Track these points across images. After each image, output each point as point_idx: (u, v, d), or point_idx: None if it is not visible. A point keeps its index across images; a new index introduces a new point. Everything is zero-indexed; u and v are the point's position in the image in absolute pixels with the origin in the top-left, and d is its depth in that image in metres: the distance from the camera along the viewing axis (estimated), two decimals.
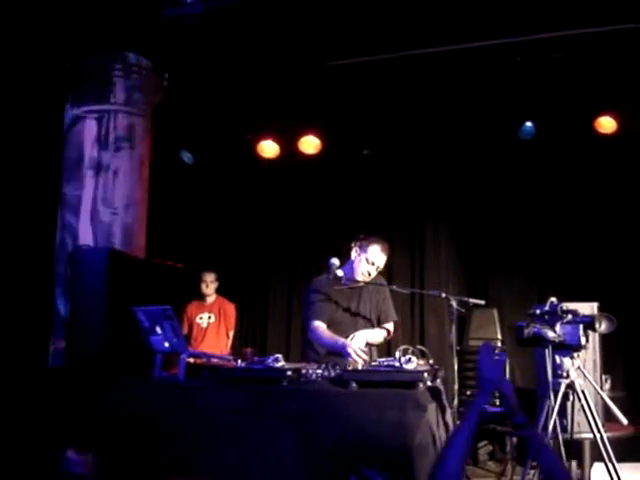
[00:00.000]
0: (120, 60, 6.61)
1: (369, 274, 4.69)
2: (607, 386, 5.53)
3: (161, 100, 7.06)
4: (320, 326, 4.65)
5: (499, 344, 7.34)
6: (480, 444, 6.95)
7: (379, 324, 4.83)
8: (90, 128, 6.52)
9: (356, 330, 4.62)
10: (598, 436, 4.14)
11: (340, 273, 4.70)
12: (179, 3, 5.96)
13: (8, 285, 7.47)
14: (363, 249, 4.69)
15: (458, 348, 4.44)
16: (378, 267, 4.70)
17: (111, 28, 6.32)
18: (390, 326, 4.88)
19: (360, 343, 4.41)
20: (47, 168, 6.94)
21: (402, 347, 4.03)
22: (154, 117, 6.96)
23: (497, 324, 7.41)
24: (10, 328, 7.22)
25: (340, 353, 4.39)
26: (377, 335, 4.77)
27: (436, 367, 4.03)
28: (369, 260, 4.65)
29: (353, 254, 4.77)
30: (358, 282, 4.74)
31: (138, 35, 6.46)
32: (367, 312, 4.78)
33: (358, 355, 4.23)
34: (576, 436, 4.44)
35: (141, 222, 6.71)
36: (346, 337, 4.49)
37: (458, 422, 4.22)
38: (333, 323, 4.70)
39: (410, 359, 3.85)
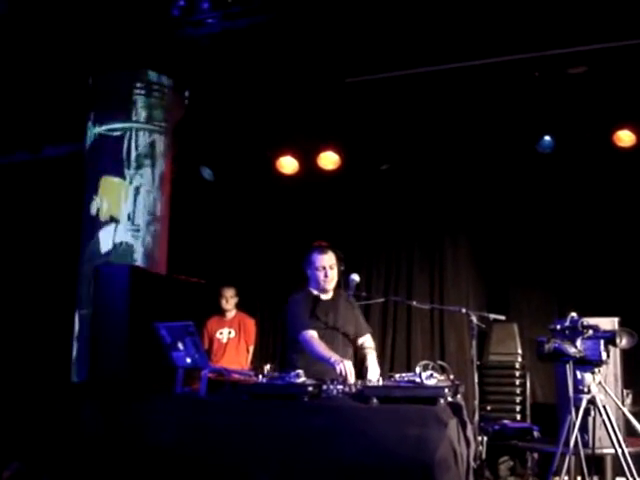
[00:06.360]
0: (141, 78, 6.71)
1: (326, 276, 4.79)
2: (628, 401, 5.50)
3: (182, 117, 7.14)
4: (313, 336, 4.67)
5: (519, 359, 7.32)
6: (501, 459, 6.90)
7: (355, 338, 4.88)
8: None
9: (335, 344, 4.67)
10: (619, 451, 4.13)
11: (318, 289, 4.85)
12: (199, 22, 6.05)
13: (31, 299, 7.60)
14: (307, 262, 4.89)
15: (478, 363, 4.42)
16: (331, 266, 4.80)
17: (132, 47, 6.42)
18: (368, 339, 4.91)
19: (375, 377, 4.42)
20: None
21: (423, 363, 4.05)
22: (175, 134, 7.04)
23: (517, 339, 7.38)
24: (34, 342, 7.32)
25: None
26: (376, 366, 4.75)
27: (457, 383, 4.04)
28: (316, 267, 4.80)
29: (308, 273, 4.92)
30: (327, 292, 4.85)
31: (159, 54, 6.56)
32: (344, 326, 4.82)
33: (347, 375, 4.24)
34: (598, 451, 4.42)
35: (162, 238, 6.78)
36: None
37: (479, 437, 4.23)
38: None
39: (432, 375, 3.86)
